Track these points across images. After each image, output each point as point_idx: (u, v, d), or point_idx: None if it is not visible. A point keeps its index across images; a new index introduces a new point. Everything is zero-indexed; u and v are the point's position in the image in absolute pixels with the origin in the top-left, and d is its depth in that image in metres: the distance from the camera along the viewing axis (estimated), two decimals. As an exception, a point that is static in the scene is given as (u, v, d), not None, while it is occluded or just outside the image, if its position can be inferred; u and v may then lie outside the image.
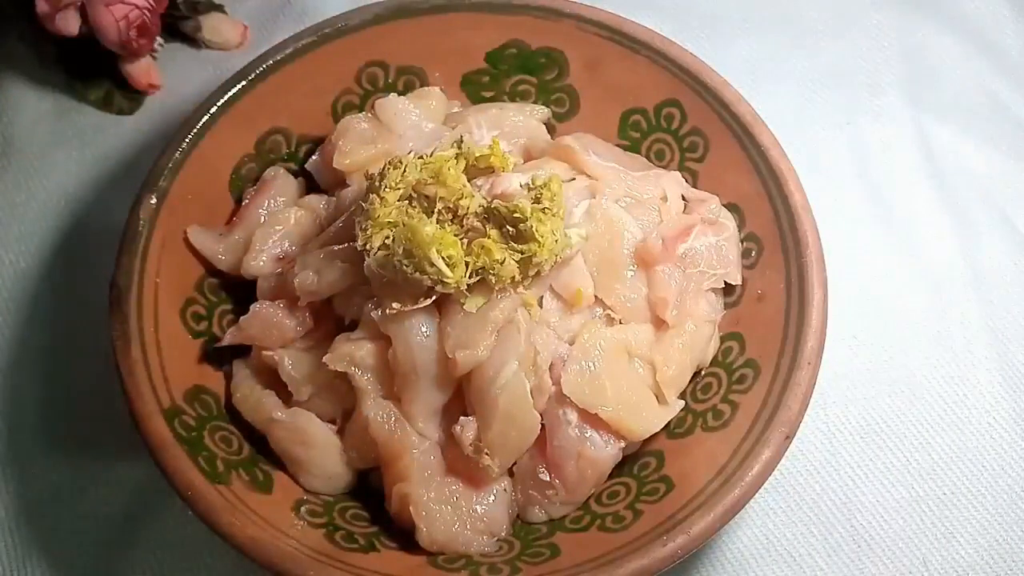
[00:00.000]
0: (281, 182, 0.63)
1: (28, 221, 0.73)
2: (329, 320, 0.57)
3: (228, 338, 0.57)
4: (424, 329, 0.52)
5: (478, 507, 0.54)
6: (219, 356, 0.59)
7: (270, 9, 0.81)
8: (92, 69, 0.77)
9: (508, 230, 0.51)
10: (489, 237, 0.51)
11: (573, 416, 0.54)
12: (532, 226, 0.50)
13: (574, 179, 0.59)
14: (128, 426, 0.53)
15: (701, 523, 0.50)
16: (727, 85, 0.61)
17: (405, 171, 0.52)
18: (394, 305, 0.52)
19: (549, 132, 0.66)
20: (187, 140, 0.59)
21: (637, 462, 0.57)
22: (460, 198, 0.52)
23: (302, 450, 0.56)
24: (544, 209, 0.51)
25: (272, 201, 0.62)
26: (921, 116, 0.77)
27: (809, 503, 0.63)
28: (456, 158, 0.54)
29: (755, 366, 0.56)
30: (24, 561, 0.62)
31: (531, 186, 0.53)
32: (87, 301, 0.68)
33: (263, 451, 0.57)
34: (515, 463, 0.54)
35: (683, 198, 0.61)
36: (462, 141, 0.56)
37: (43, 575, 0.62)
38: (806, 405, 0.53)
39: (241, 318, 0.57)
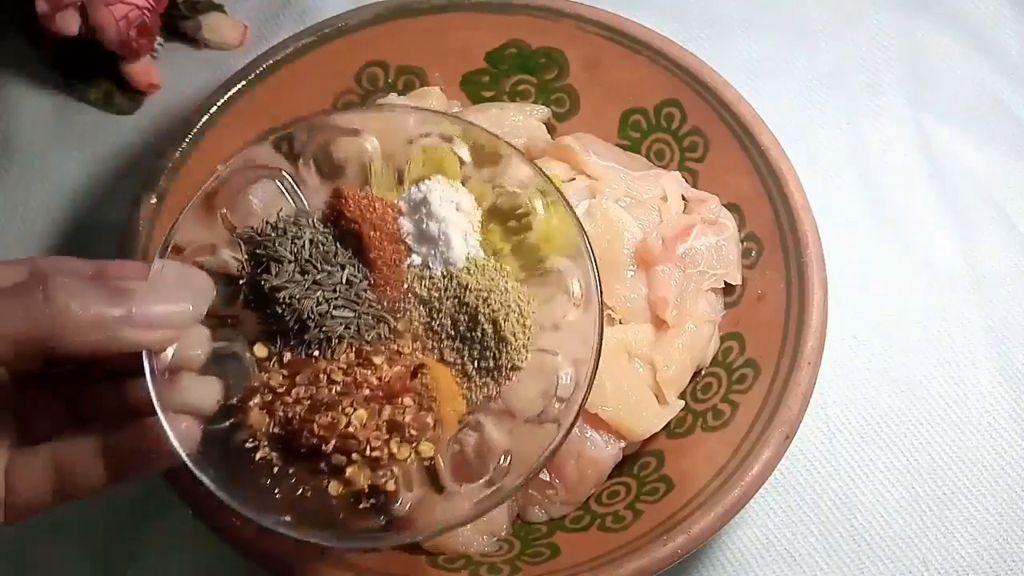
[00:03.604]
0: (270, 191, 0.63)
1: (28, 221, 0.73)
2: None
3: None
4: (424, 329, 0.52)
5: (478, 507, 0.54)
6: (219, 356, 0.59)
7: (270, 9, 0.81)
8: (92, 69, 0.77)
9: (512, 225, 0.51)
10: (491, 233, 0.51)
11: (573, 416, 0.54)
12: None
13: (574, 179, 0.59)
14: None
15: (701, 523, 0.50)
16: (727, 85, 0.61)
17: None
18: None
19: (549, 132, 0.66)
20: (187, 140, 0.59)
21: (637, 462, 0.57)
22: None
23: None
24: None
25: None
26: (921, 116, 0.77)
27: (809, 503, 0.63)
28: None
29: (755, 366, 0.56)
30: (24, 561, 0.62)
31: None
32: (87, 301, 0.68)
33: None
34: (515, 463, 0.54)
35: (683, 198, 0.61)
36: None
37: (43, 575, 0.62)
38: (806, 405, 0.53)
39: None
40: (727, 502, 0.50)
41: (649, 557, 0.50)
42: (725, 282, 0.60)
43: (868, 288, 0.69)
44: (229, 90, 0.61)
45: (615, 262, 0.57)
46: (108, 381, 0.43)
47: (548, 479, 0.55)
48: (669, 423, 0.56)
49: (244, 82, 0.61)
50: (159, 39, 0.77)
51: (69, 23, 0.72)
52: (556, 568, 0.52)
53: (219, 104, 0.60)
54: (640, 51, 0.63)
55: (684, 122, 0.63)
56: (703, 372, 0.59)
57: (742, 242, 0.61)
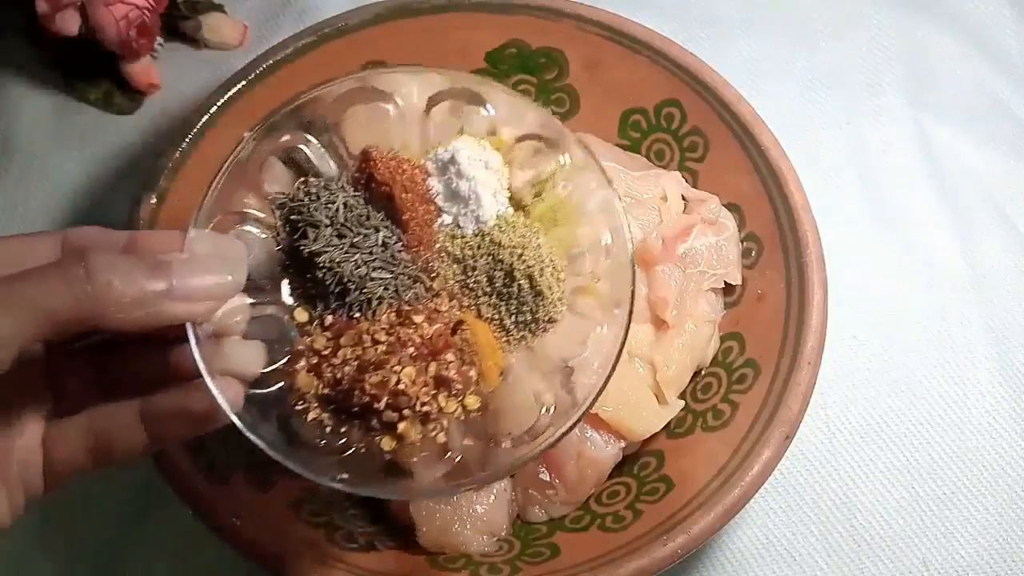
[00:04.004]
0: (278, 171, 0.63)
1: (28, 221, 0.73)
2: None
3: None
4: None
5: (478, 507, 0.54)
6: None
7: (270, 9, 0.81)
8: (92, 69, 0.77)
9: None
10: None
11: (573, 416, 0.54)
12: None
13: (574, 179, 0.59)
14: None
15: (701, 523, 0.50)
16: (727, 85, 0.61)
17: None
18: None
19: (549, 132, 0.66)
20: (187, 140, 0.59)
21: (637, 462, 0.57)
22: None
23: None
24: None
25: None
26: (921, 116, 0.77)
27: (809, 503, 0.63)
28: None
29: (755, 366, 0.56)
30: (24, 562, 0.62)
31: (535, 183, 0.52)
32: (87, 301, 0.68)
33: (263, 450, 0.57)
34: (515, 463, 0.54)
35: (683, 198, 0.62)
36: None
37: (43, 575, 0.62)
38: (806, 405, 0.53)
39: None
40: (727, 502, 0.50)
41: (649, 557, 0.50)
42: (725, 282, 0.60)
43: (868, 288, 0.69)
44: (229, 90, 0.61)
45: (615, 262, 0.57)
46: (142, 349, 0.43)
47: (548, 479, 0.55)
48: (669, 423, 0.56)
49: (244, 82, 0.61)
50: (159, 39, 0.77)
51: (69, 23, 0.72)
52: (556, 568, 0.52)
53: (219, 104, 0.60)
54: (640, 51, 0.63)
55: (684, 122, 0.63)
56: (703, 372, 0.59)
57: (742, 242, 0.61)
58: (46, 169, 0.75)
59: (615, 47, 0.63)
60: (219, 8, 0.80)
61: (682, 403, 0.57)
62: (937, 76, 0.79)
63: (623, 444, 0.56)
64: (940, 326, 0.68)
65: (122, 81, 0.77)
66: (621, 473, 0.57)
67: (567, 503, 0.56)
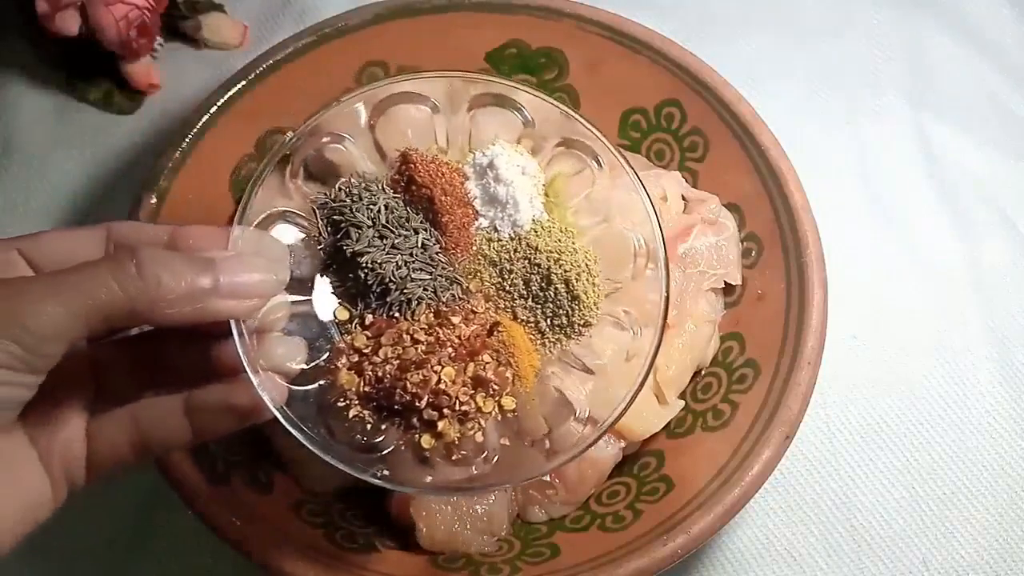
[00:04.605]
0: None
1: (28, 221, 0.73)
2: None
3: None
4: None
5: (478, 507, 0.54)
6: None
7: (270, 9, 0.81)
8: (92, 69, 0.77)
9: None
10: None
11: (573, 416, 0.54)
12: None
13: (574, 179, 0.59)
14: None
15: (701, 523, 0.50)
16: (727, 85, 0.61)
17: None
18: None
19: (549, 132, 0.66)
20: (187, 140, 0.59)
21: (637, 462, 0.57)
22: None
23: (303, 449, 0.55)
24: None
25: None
26: (921, 116, 0.77)
27: (809, 503, 0.63)
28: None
29: (755, 366, 0.56)
30: (25, 563, 0.62)
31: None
32: (87, 301, 0.68)
33: (263, 452, 0.57)
34: (515, 463, 0.54)
35: (683, 198, 0.62)
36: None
37: None
38: (806, 405, 0.53)
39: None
40: (727, 502, 0.50)
41: (649, 557, 0.50)
42: (725, 282, 0.60)
43: (868, 288, 0.69)
44: (229, 90, 0.61)
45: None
46: (185, 344, 0.43)
47: (548, 479, 0.55)
48: (669, 423, 0.56)
49: (244, 82, 0.61)
50: (159, 39, 0.77)
51: (69, 23, 0.72)
52: (556, 568, 0.52)
53: (219, 104, 0.60)
54: (640, 51, 0.63)
55: (684, 122, 0.63)
56: (703, 372, 0.59)
57: (742, 242, 0.61)
58: (46, 169, 0.75)
59: (615, 47, 0.63)
60: (219, 8, 0.80)
61: (682, 403, 0.57)
62: (937, 76, 0.79)
63: (623, 444, 0.56)
64: (940, 326, 0.68)
65: (122, 81, 0.77)
66: (621, 473, 0.57)
67: (567, 503, 0.56)
